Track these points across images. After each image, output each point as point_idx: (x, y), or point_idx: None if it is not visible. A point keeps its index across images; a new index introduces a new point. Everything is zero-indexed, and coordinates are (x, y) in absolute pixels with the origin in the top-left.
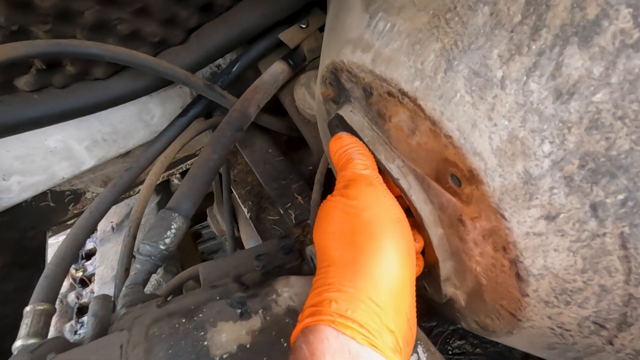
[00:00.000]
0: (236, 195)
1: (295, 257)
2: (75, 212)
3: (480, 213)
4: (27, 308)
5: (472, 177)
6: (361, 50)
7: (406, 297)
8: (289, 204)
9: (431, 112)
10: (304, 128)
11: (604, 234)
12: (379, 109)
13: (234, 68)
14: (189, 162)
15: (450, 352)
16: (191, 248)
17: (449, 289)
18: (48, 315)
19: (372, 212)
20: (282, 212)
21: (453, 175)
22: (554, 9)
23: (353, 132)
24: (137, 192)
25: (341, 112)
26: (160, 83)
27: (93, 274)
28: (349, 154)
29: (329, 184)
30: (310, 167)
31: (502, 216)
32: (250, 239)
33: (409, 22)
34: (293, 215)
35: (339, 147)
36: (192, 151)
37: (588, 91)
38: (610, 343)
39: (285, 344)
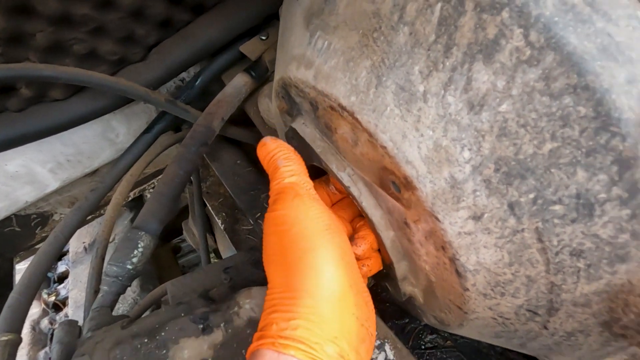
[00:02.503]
0: (210, 208)
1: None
2: (43, 235)
3: (419, 216)
4: None
5: (408, 184)
6: (304, 67)
7: (349, 300)
8: (259, 214)
9: (367, 125)
10: None
11: (523, 230)
12: (326, 121)
13: (197, 82)
14: (160, 177)
15: (423, 347)
16: (171, 263)
17: (407, 288)
18: (13, 346)
19: (300, 226)
20: (252, 222)
21: (393, 182)
22: (461, 29)
23: (306, 144)
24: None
25: (294, 125)
26: (122, 101)
27: (66, 298)
28: (275, 161)
29: None
30: None
31: (437, 218)
32: (226, 249)
33: (342, 40)
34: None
35: (265, 154)
36: (162, 166)
37: (495, 102)
38: (545, 327)
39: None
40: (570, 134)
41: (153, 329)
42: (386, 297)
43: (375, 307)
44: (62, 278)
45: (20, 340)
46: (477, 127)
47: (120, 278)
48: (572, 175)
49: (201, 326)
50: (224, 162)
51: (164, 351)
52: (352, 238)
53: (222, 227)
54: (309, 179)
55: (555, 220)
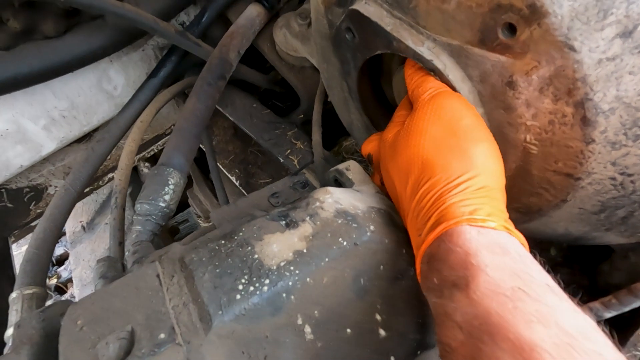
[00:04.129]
0: (220, 167)
1: (312, 189)
2: (38, 211)
3: (539, 59)
4: (13, 294)
5: (534, 13)
6: None
7: (504, 184)
8: (289, 151)
9: None
10: (288, 74)
11: None
12: None
13: (204, 18)
14: (159, 142)
15: None
16: (169, 244)
17: None
18: (40, 299)
19: (472, 119)
20: (282, 159)
21: (505, 25)
22: None
23: (371, 26)
24: (105, 183)
25: (356, 7)
26: (121, 40)
27: (69, 279)
28: (425, 72)
29: (327, 124)
30: (301, 116)
31: (571, 48)
32: None
33: None
34: (295, 161)
35: (414, 67)
36: (162, 130)
37: None
38: None
39: (345, 243)
40: None
41: (226, 234)
42: None
43: None
44: (61, 261)
45: (46, 293)
46: None
47: (153, 217)
48: None
49: (284, 222)
50: (238, 107)
51: (249, 248)
52: None
53: (237, 184)
54: None
55: None
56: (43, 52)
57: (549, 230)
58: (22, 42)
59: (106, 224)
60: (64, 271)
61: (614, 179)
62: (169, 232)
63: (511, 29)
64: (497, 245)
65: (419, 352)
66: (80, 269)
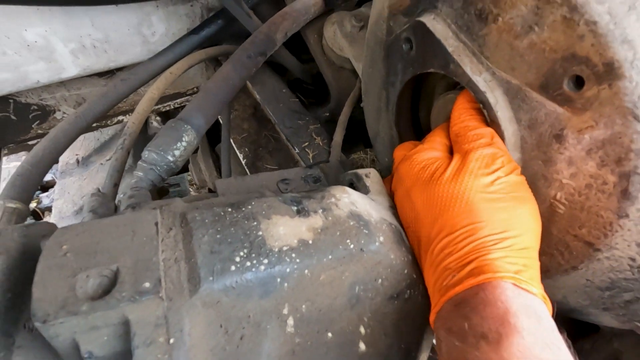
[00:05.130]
0: (232, 141)
1: (324, 186)
2: (39, 132)
3: (598, 120)
4: None
5: (609, 73)
6: None
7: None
8: (306, 143)
9: None
10: (327, 70)
11: None
12: (483, 7)
13: None
14: (177, 100)
15: None
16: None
17: None
18: (21, 217)
19: (520, 178)
20: (297, 151)
21: (574, 77)
22: None
23: (432, 42)
24: (113, 124)
25: (423, 19)
26: None
27: (48, 208)
28: (477, 121)
29: (351, 128)
30: (327, 114)
31: (636, 117)
32: None
33: None
34: (311, 155)
35: (467, 104)
36: (184, 89)
37: None
38: None
39: (351, 246)
40: None
41: (233, 203)
42: None
43: None
44: (46, 187)
45: (28, 212)
46: None
47: (158, 168)
48: None
49: (295, 208)
50: (268, 87)
51: (255, 223)
52: None
53: (243, 162)
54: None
55: None
56: None
57: (547, 294)
58: None
59: (101, 164)
60: (45, 198)
61: (633, 259)
62: (157, 191)
63: (578, 83)
64: (534, 311)
65: None
66: (63, 201)
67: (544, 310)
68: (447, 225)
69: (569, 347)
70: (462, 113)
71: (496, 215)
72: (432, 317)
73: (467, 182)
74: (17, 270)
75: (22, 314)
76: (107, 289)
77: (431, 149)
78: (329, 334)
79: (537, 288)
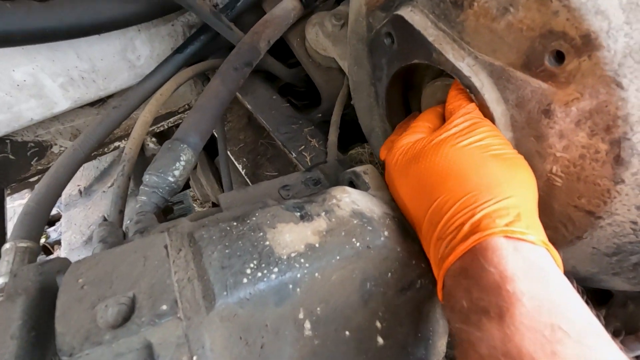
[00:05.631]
0: (229, 153)
1: (324, 188)
2: (39, 168)
3: (583, 91)
4: (7, 245)
5: (587, 44)
6: None
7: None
8: (302, 147)
9: None
10: (314, 72)
11: None
12: None
13: (239, 2)
14: (170, 119)
15: None
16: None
17: None
18: (33, 254)
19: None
20: (294, 155)
21: (554, 52)
22: None
23: (413, 33)
24: (110, 150)
25: (401, 13)
26: (155, 11)
27: (57, 242)
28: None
29: (345, 127)
30: (320, 115)
31: (619, 84)
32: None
33: None
34: (308, 158)
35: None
36: (175, 108)
37: None
38: None
39: (357, 244)
40: None
41: (238, 216)
42: None
43: None
44: (52, 221)
45: (39, 250)
46: None
47: (160, 190)
48: None
49: (298, 214)
50: (259, 96)
51: (261, 234)
52: None
53: (242, 172)
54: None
55: None
56: (77, 9)
57: (567, 263)
58: None
59: (103, 192)
60: (53, 232)
61: (635, 223)
62: (162, 210)
63: (559, 57)
64: (536, 268)
65: None
66: (71, 233)
67: (546, 260)
68: (430, 197)
69: (586, 303)
70: (457, 93)
71: (478, 173)
72: (440, 297)
73: (444, 149)
74: (37, 309)
75: (47, 351)
76: (127, 316)
77: (411, 134)
78: (347, 332)
79: (536, 235)
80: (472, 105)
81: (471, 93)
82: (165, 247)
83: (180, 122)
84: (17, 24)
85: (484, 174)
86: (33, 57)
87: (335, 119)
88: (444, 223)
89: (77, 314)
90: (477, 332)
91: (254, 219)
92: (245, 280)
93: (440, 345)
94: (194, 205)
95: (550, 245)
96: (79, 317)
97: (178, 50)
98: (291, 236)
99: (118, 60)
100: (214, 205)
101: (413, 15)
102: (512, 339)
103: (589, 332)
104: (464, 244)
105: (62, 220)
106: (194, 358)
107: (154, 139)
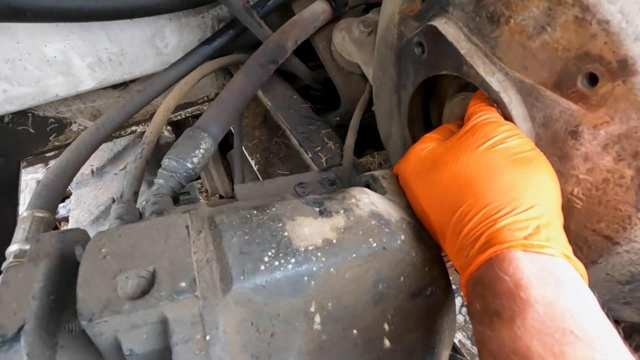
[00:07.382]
0: (243, 148)
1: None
2: (56, 144)
3: (613, 115)
4: (24, 213)
5: (623, 69)
6: None
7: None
8: (319, 148)
9: None
10: (337, 75)
11: None
12: (495, 10)
13: (270, 1)
14: (188, 109)
15: None
16: None
17: None
18: (48, 225)
19: (535, 152)
20: (310, 155)
21: (587, 75)
22: None
23: (444, 45)
24: (127, 134)
25: (435, 23)
26: (188, 1)
27: (65, 218)
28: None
29: (362, 131)
30: (338, 118)
31: None
32: None
33: None
34: (323, 159)
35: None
36: (194, 99)
37: None
38: None
39: (374, 244)
40: None
41: (257, 206)
42: None
43: None
44: (62, 198)
45: (54, 221)
46: None
47: (177, 175)
48: None
49: (318, 209)
50: (278, 95)
51: (280, 224)
52: None
53: (255, 169)
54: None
55: None
56: None
57: None
58: None
59: (115, 174)
60: (62, 209)
61: None
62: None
63: (592, 80)
64: (552, 276)
65: None
66: (79, 211)
67: (566, 272)
68: (451, 206)
69: (607, 316)
70: (479, 101)
71: (499, 182)
72: (467, 307)
73: (465, 155)
74: (57, 274)
75: (62, 316)
76: (146, 289)
77: (425, 142)
78: (355, 331)
79: (556, 247)
80: (492, 109)
81: (499, 108)
82: (187, 227)
83: (197, 114)
84: (55, 1)
85: (504, 183)
86: (66, 35)
87: (354, 123)
88: (465, 234)
89: (99, 282)
90: (488, 331)
91: (273, 209)
92: (262, 267)
93: (445, 356)
94: (200, 197)
95: (572, 257)
96: (100, 286)
97: (206, 42)
98: (310, 230)
99: (146, 46)
100: (221, 198)
101: (447, 27)
102: (522, 339)
103: (603, 340)
104: (482, 256)
105: (71, 197)
106: (207, 337)
107: (169, 128)
